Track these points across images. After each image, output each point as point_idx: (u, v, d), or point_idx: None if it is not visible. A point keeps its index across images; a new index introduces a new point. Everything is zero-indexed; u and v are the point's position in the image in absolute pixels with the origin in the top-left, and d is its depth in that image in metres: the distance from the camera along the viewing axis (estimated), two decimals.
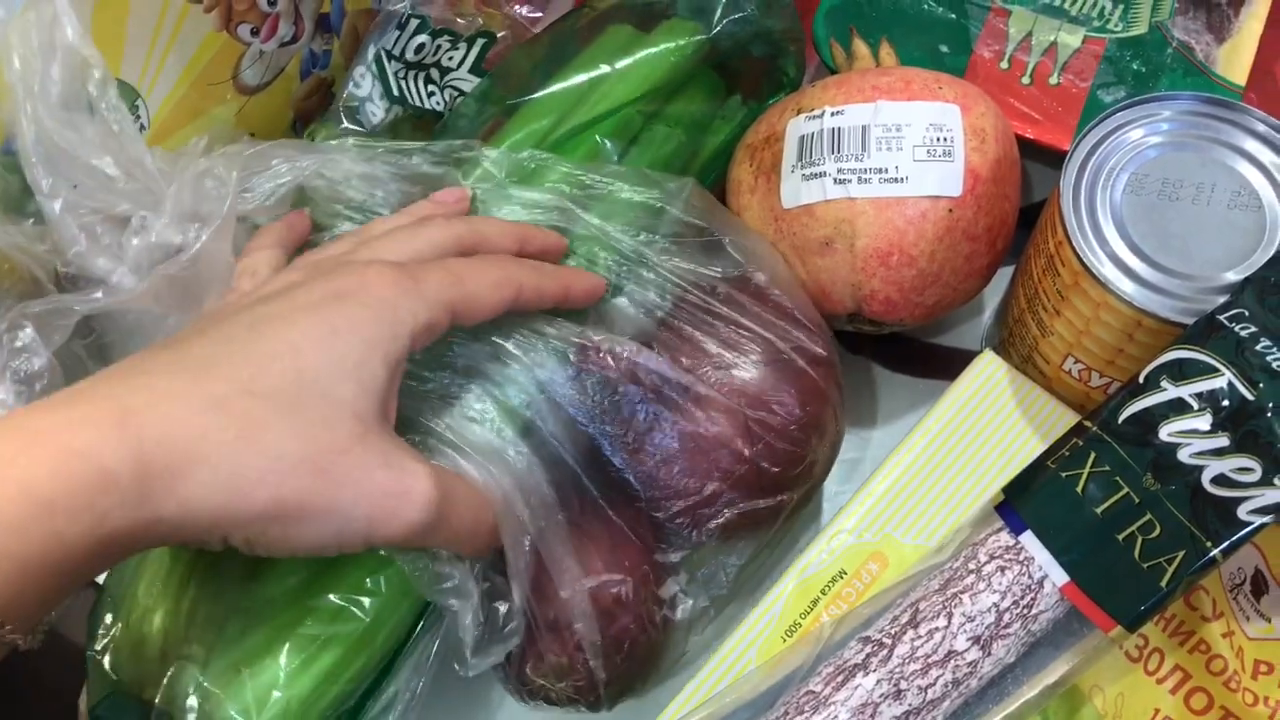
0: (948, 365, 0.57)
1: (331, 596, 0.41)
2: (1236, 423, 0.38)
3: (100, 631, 0.41)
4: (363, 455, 0.34)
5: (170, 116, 0.46)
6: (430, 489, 0.35)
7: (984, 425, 0.48)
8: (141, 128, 0.44)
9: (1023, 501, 0.41)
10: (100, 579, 0.43)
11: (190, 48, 0.45)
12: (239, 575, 0.41)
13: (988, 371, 0.49)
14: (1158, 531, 0.38)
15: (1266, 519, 0.37)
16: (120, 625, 0.41)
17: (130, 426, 0.31)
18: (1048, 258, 0.46)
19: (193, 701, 0.39)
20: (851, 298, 0.50)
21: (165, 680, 0.40)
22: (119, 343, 0.43)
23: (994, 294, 0.56)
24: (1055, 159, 0.59)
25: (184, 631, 0.41)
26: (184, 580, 0.41)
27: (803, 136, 0.49)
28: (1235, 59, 0.58)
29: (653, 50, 0.51)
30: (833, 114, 0.49)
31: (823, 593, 0.45)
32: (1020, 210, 0.52)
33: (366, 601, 0.41)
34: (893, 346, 0.58)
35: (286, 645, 0.40)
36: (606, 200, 0.47)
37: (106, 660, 0.41)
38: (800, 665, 0.42)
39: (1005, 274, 0.54)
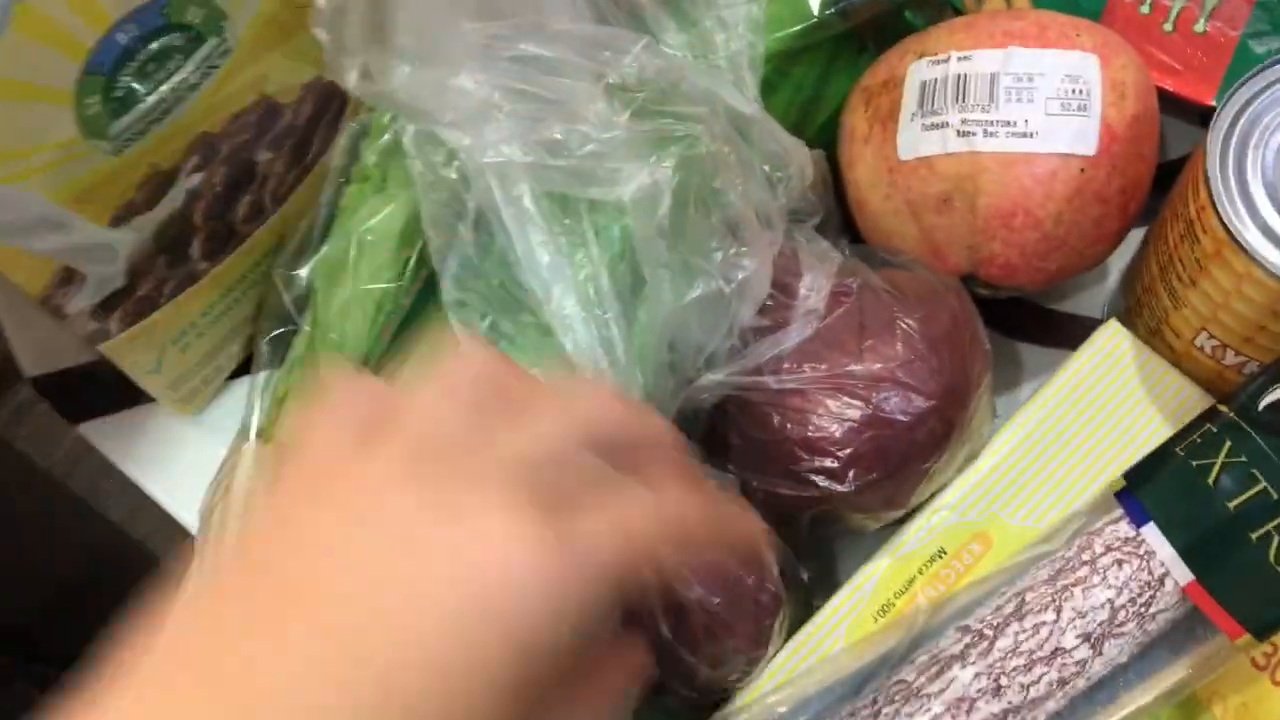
0: (1067, 333, 0.53)
1: None
2: None
3: None
4: None
5: (259, 38, 0.44)
6: None
7: (1105, 401, 0.45)
8: (227, 50, 0.43)
9: (1146, 490, 0.38)
10: None
11: None
12: None
13: (1112, 343, 0.46)
14: None
15: None
16: None
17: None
18: (1186, 223, 0.42)
19: None
20: (968, 260, 0.46)
21: None
22: None
23: (1120, 258, 0.52)
24: (1195, 114, 0.54)
25: None
26: None
27: (924, 82, 0.46)
28: None
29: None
30: (959, 59, 0.45)
31: (919, 572, 0.42)
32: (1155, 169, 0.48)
33: None
34: (1007, 310, 0.55)
35: None
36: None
37: None
38: (892, 650, 0.40)
39: (1135, 236, 0.50)
